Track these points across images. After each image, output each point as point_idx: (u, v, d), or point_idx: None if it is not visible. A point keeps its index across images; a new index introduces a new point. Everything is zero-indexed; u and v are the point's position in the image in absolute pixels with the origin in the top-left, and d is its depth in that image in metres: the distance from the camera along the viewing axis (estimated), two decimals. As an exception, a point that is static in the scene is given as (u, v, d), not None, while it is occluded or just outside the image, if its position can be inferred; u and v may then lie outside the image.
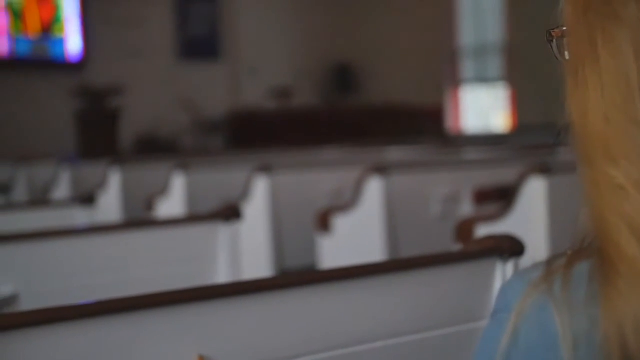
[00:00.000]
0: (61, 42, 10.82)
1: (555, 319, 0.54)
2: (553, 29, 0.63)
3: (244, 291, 1.10)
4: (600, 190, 0.54)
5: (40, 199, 4.73)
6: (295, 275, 1.10)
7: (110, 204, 4.37)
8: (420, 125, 11.11)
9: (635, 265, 0.51)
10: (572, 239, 0.57)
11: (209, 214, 1.72)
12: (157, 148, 9.87)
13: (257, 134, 10.80)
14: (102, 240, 1.56)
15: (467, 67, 12.29)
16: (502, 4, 11.59)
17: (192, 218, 1.74)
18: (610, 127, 0.53)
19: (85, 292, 1.51)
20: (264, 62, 12.04)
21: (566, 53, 0.60)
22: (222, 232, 1.71)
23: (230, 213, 1.73)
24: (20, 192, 5.22)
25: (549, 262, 0.57)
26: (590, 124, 0.55)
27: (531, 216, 2.51)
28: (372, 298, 1.12)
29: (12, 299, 1.46)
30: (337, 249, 3.11)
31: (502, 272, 1.19)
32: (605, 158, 0.53)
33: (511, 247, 1.17)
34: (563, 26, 0.61)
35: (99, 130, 8.87)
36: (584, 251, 0.56)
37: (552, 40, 0.63)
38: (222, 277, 1.71)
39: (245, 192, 3.54)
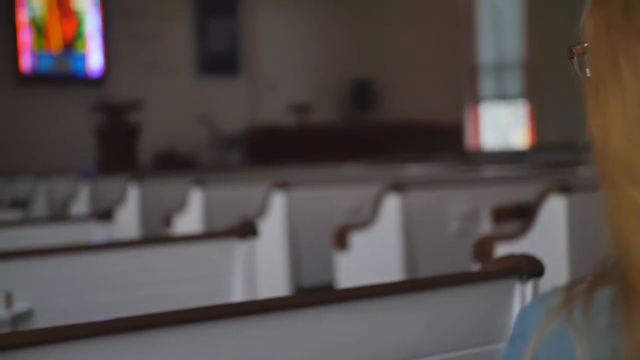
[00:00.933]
0: (83, 57, 10.95)
1: (574, 347, 0.52)
2: (574, 46, 0.61)
3: (258, 310, 1.09)
4: (623, 212, 0.52)
5: (58, 214, 4.76)
6: (308, 295, 1.09)
7: (128, 220, 4.38)
8: (439, 142, 11.08)
9: None
10: (593, 263, 0.55)
11: (225, 231, 1.71)
12: (176, 163, 9.91)
13: (276, 149, 10.82)
14: (116, 257, 1.55)
15: (487, 83, 12.26)
16: (522, 20, 11.57)
17: (208, 235, 1.73)
18: (632, 146, 0.51)
19: (100, 309, 1.51)
20: (283, 78, 12.09)
21: (587, 70, 0.59)
22: (238, 249, 1.70)
23: (246, 230, 1.72)
24: (39, 207, 5.26)
25: (569, 287, 0.55)
26: (612, 143, 0.53)
27: (551, 235, 2.48)
28: (387, 318, 1.10)
29: (27, 315, 1.46)
30: (355, 266, 3.09)
31: (521, 292, 1.16)
32: (627, 178, 0.51)
33: (530, 268, 1.14)
34: (584, 43, 0.59)
35: (119, 145, 8.94)
36: (605, 276, 0.54)
37: (572, 57, 0.61)
38: (238, 294, 1.70)
39: (262, 209, 3.53)
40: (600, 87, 0.54)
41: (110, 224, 2.45)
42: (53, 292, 1.54)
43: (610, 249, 0.53)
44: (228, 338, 1.06)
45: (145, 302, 1.61)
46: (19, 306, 1.46)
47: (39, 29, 10.64)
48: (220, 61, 11.84)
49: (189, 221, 3.92)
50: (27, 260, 1.49)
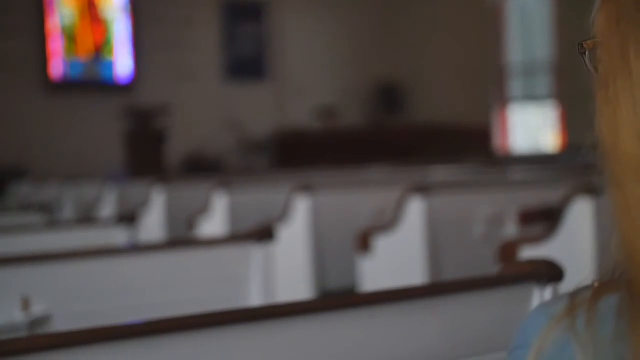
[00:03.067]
0: (110, 64, 11.07)
1: (577, 357, 0.49)
2: (585, 41, 0.58)
3: (273, 315, 1.08)
4: (631, 215, 0.49)
5: (82, 218, 4.80)
6: (322, 300, 1.07)
7: (153, 223, 4.40)
8: (467, 145, 10.99)
9: None
10: (600, 269, 0.52)
11: (242, 235, 1.70)
12: (204, 167, 9.97)
13: (303, 153, 10.82)
14: (132, 262, 1.55)
15: (516, 85, 12.13)
16: (551, 21, 11.44)
17: (224, 239, 1.72)
18: None
19: (116, 314, 1.50)
20: (310, 81, 12.10)
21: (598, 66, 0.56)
22: (255, 253, 1.69)
23: (264, 234, 1.70)
24: (67, 211, 5.31)
25: (573, 295, 0.52)
26: (622, 142, 0.50)
27: (577, 238, 2.43)
28: (402, 323, 1.08)
29: (44, 320, 1.46)
30: (378, 270, 3.06)
31: (540, 298, 1.13)
32: (636, 180, 0.49)
33: (549, 272, 1.11)
34: (596, 37, 0.57)
35: (147, 150, 9.02)
36: (612, 283, 0.51)
37: (584, 53, 0.59)
38: (255, 299, 1.68)
39: (285, 212, 3.52)
40: (610, 82, 0.52)
41: (133, 228, 2.46)
42: (71, 297, 1.54)
43: (618, 254, 0.50)
44: (245, 343, 1.05)
45: (162, 306, 1.61)
46: (37, 310, 1.47)
47: (69, 37, 10.79)
48: (247, 66, 11.89)
49: (213, 224, 3.92)
50: (44, 264, 1.50)
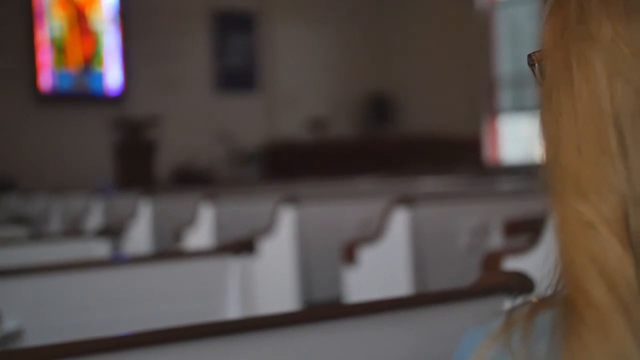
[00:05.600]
0: (100, 76, 11.06)
1: None
2: (534, 52, 0.58)
3: (246, 328, 1.07)
4: (569, 229, 0.48)
5: (69, 230, 4.77)
6: (295, 313, 1.06)
7: (140, 235, 4.38)
8: (457, 155, 11.01)
9: (602, 313, 0.45)
10: (540, 285, 0.51)
11: (220, 248, 1.69)
12: (194, 179, 9.95)
13: (293, 164, 10.82)
14: (104, 276, 1.54)
15: (505, 96, 12.17)
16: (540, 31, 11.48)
17: (203, 252, 1.71)
18: (582, 160, 0.48)
19: (90, 328, 1.49)
20: (300, 93, 12.11)
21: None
22: (232, 266, 1.68)
23: (242, 247, 1.69)
24: (54, 223, 5.28)
25: (511, 312, 0.52)
26: (563, 154, 0.49)
27: (559, 249, 2.42)
28: (369, 338, 1.07)
29: (16, 335, 1.44)
30: (363, 281, 3.05)
31: (512, 310, 1.13)
32: (575, 193, 0.48)
33: (520, 284, 1.11)
34: (542, 49, 0.56)
35: (137, 161, 9.00)
36: (550, 298, 0.51)
37: (533, 65, 0.59)
38: (232, 312, 1.67)
39: (270, 224, 3.51)
40: (553, 94, 0.51)
41: (116, 241, 2.44)
42: (44, 311, 1.52)
43: (558, 269, 0.50)
44: (221, 357, 1.04)
45: (138, 320, 1.59)
46: (8, 326, 1.45)
47: (59, 48, 10.78)
48: (237, 77, 11.90)
49: (199, 236, 3.90)
50: (16, 278, 1.48)
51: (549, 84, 0.52)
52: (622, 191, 0.46)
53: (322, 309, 1.07)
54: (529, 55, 0.59)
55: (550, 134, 0.51)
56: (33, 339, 1.41)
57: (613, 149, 0.46)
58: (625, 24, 0.47)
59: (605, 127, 0.47)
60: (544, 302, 0.51)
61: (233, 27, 11.87)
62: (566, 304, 0.48)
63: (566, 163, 0.49)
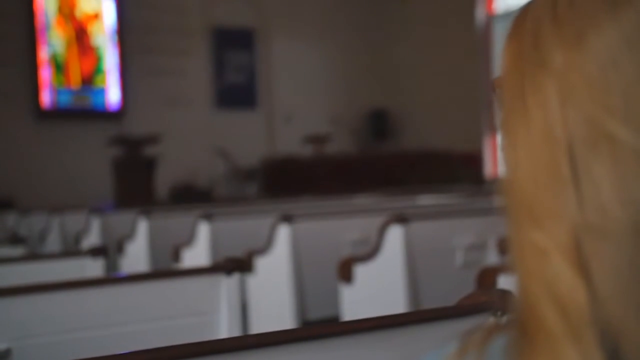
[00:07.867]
0: (102, 92, 11.11)
1: None
2: (497, 78, 0.59)
3: (233, 347, 1.07)
4: (524, 255, 0.49)
5: (65, 250, 4.77)
6: (281, 333, 1.06)
7: (137, 253, 4.38)
8: (458, 171, 11.01)
9: (553, 339, 0.45)
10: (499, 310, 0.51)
11: (210, 267, 1.70)
12: (193, 196, 9.95)
13: (293, 181, 10.82)
14: (94, 294, 1.54)
15: (505, 112, 12.19)
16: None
17: (196, 271, 1.71)
18: (536, 187, 0.48)
19: (79, 348, 1.49)
20: (300, 109, 12.14)
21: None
22: (224, 285, 1.68)
23: (233, 266, 1.70)
24: (52, 242, 5.28)
25: (465, 335, 0.52)
26: (518, 180, 0.50)
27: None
28: (359, 355, 1.07)
29: (4, 355, 1.44)
30: (359, 298, 3.04)
31: (497, 329, 1.12)
32: (529, 220, 0.48)
33: (505, 303, 1.11)
34: (501, 74, 0.57)
35: (136, 179, 9.00)
36: (507, 323, 0.51)
37: (495, 90, 0.59)
38: (224, 331, 1.67)
39: (267, 242, 3.51)
40: (510, 120, 0.52)
41: (110, 260, 2.44)
42: (32, 330, 1.52)
43: (514, 293, 0.50)
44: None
45: (129, 338, 1.59)
46: (-2, 345, 1.45)
47: (59, 66, 10.83)
48: (237, 94, 11.94)
49: (196, 255, 3.90)
50: (5, 298, 1.48)
51: (506, 109, 0.52)
52: (574, 218, 0.46)
53: (304, 329, 1.07)
54: (492, 81, 0.59)
55: (508, 160, 0.51)
56: (25, 358, 1.41)
57: (565, 176, 0.47)
58: (577, 51, 0.48)
59: (558, 154, 0.47)
60: (499, 327, 0.51)
61: (233, 44, 11.93)
62: (519, 330, 0.48)
63: (521, 189, 0.49)
